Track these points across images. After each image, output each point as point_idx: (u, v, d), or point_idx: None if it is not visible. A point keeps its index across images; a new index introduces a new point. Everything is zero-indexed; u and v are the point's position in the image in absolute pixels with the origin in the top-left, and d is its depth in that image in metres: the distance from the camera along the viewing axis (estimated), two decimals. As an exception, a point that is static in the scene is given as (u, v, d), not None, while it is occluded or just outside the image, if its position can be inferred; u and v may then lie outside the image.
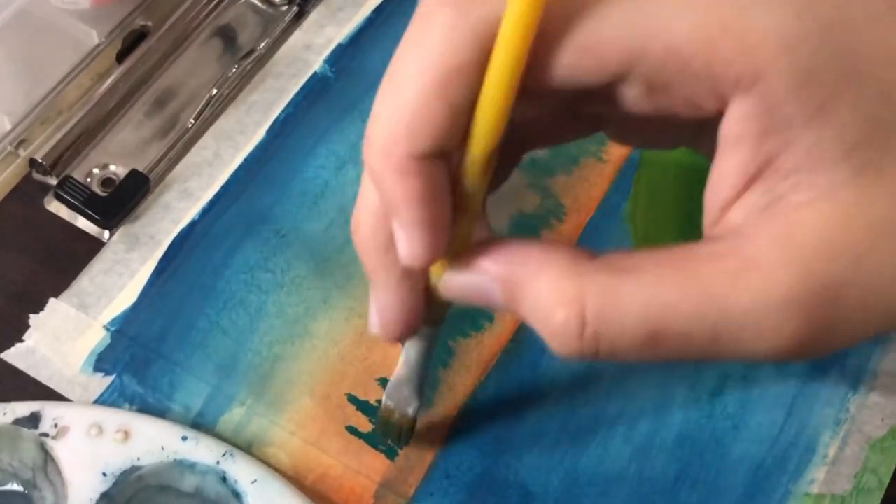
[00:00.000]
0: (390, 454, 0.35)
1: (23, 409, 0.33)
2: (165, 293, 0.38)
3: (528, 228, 0.39)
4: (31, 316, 0.37)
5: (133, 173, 0.39)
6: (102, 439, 0.33)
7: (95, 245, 0.39)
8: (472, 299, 0.27)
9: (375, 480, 0.35)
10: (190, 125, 0.41)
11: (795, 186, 0.23)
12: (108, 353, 0.36)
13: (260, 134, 0.41)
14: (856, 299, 0.23)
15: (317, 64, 0.43)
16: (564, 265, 0.24)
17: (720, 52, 0.22)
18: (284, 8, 0.44)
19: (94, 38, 0.42)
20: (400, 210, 0.24)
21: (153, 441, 0.33)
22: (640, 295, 0.24)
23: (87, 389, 0.36)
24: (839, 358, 0.37)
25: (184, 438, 0.33)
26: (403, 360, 0.31)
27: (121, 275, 0.38)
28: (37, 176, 0.40)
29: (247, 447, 0.35)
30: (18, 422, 0.33)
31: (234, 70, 0.42)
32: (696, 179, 0.40)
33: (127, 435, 0.33)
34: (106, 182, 0.40)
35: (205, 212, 0.39)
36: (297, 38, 0.44)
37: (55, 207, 0.39)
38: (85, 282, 0.38)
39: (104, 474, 0.33)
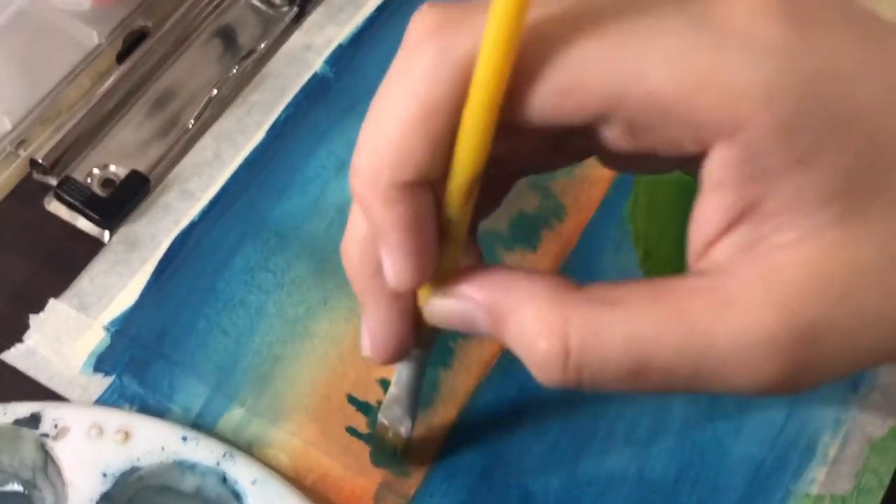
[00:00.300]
0: (390, 453, 0.35)
1: (23, 409, 0.33)
2: (165, 294, 0.38)
3: (528, 228, 0.39)
4: (31, 316, 0.37)
5: (133, 174, 0.39)
6: (103, 440, 0.33)
7: (95, 245, 0.38)
8: (456, 326, 0.27)
9: (375, 481, 0.34)
10: (190, 126, 0.41)
11: (779, 228, 0.23)
12: (108, 354, 0.36)
13: (260, 134, 0.41)
14: (836, 339, 0.24)
15: (317, 64, 0.43)
16: (549, 295, 0.25)
17: (702, 100, 0.22)
18: (285, 8, 0.44)
19: (94, 38, 0.42)
20: (386, 235, 0.25)
21: (153, 442, 0.33)
22: (623, 327, 0.24)
23: (87, 390, 0.36)
24: (839, 358, 0.37)
25: (184, 439, 0.33)
26: (395, 380, 0.32)
27: (121, 275, 0.38)
28: (37, 176, 0.40)
29: (247, 448, 0.35)
30: (18, 422, 0.33)
31: (234, 70, 0.42)
32: (696, 180, 0.40)
33: (127, 435, 0.33)
34: (106, 182, 0.40)
35: (205, 212, 0.39)
36: (297, 38, 0.44)
37: (55, 208, 0.39)
38: (85, 282, 0.38)
39: (104, 475, 0.33)
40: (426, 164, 0.24)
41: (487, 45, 0.22)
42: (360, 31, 0.44)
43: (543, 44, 0.23)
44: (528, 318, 0.25)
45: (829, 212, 0.23)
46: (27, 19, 0.41)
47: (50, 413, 0.34)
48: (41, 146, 0.40)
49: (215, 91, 0.42)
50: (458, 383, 0.36)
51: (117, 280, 0.38)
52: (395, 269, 0.26)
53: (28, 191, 0.40)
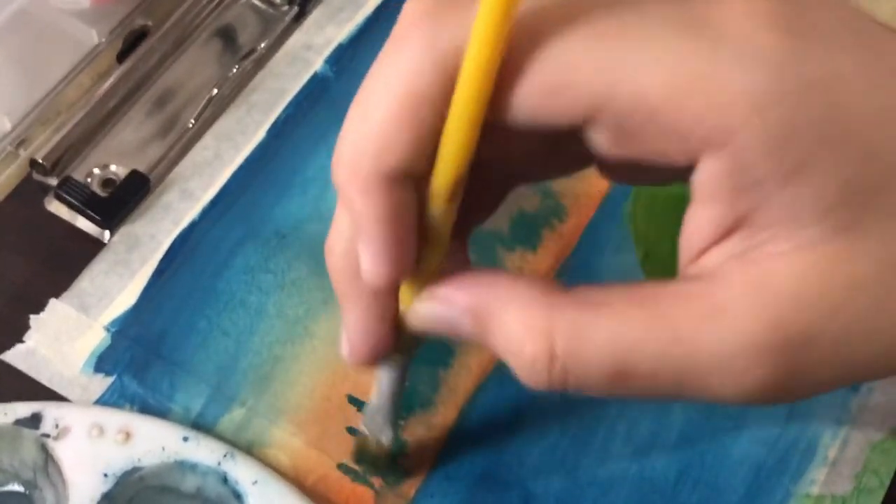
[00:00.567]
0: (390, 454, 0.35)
1: (24, 409, 0.34)
2: (166, 294, 0.38)
3: (529, 228, 0.39)
4: (32, 317, 0.37)
5: (133, 173, 0.39)
6: (103, 440, 0.33)
7: (96, 245, 0.38)
8: (440, 330, 0.26)
9: (376, 482, 0.35)
10: (190, 125, 0.41)
11: (773, 238, 0.23)
12: (109, 354, 0.36)
13: (260, 134, 0.41)
14: (826, 351, 0.23)
15: (317, 64, 0.43)
16: (534, 298, 0.24)
17: (690, 106, 0.22)
18: (285, 8, 0.44)
19: (94, 37, 0.42)
20: (363, 227, 0.25)
21: (154, 442, 0.33)
22: (608, 332, 0.24)
23: (88, 390, 0.36)
24: (840, 358, 0.37)
25: (185, 439, 0.33)
26: (375, 388, 0.32)
27: (121, 275, 0.38)
28: (37, 176, 0.40)
29: (247, 448, 0.35)
30: (19, 422, 0.33)
31: (234, 70, 0.42)
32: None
33: (128, 436, 0.33)
34: (106, 182, 0.40)
35: (205, 212, 0.39)
36: (297, 38, 0.44)
37: (55, 208, 0.39)
38: (85, 282, 0.38)
39: (105, 475, 0.33)
40: (409, 156, 0.24)
41: (477, 35, 0.21)
42: (361, 31, 0.44)
43: (530, 41, 0.22)
44: (513, 322, 0.24)
45: (824, 224, 0.23)
46: (27, 19, 0.41)
47: (51, 413, 0.34)
48: (41, 146, 0.40)
49: (215, 91, 0.42)
50: (458, 383, 0.36)
51: (118, 280, 0.38)
52: (370, 262, 0.25)
53: (28, 191, 0.40)
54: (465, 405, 0.36)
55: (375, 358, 0.29)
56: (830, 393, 0.36)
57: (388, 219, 0.24)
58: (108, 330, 0.37)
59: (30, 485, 0.34)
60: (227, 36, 0.44)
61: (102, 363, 0.36)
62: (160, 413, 0.35)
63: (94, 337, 0.37)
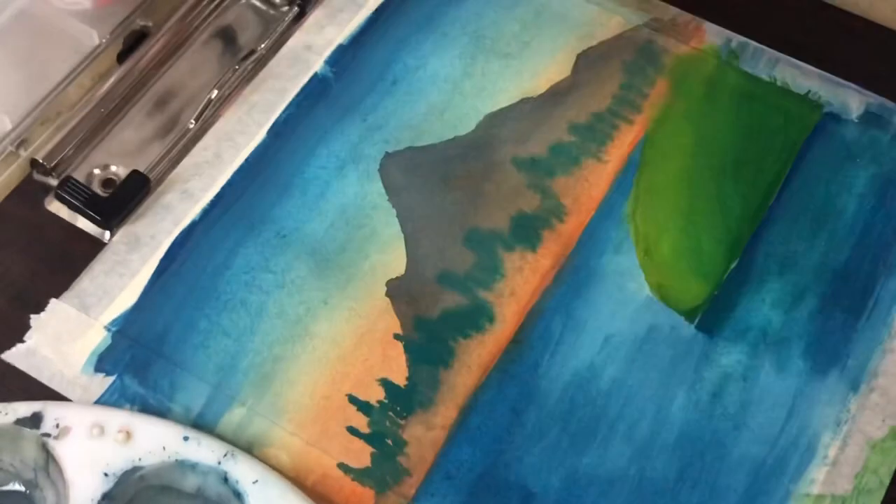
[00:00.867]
0: (390, 453, 0.35)
1: (24, 409, 0.33)
2: (166, 294, 0.38)
3: (528, 228, 0.39)
4: (32, 316, 0.37)
5: (134, 174, 0.39)
6: (104, 439, 0.33)
7: (96, 245, 0.39)
8: None
9: (376, 481, 0.35)
10: (191, 126, 0.41)
11: None
12: (109, 354, 0.36)
13: (261, 134, 0.41)
14: None
15: (317, 65, 0.43)
16: None
17: None
18: (285, 9, 0.44)
19: (94, 38, 0.42)
20: None
21: (155, 441, 0.33)
22: None
23: (88, 390, 0.36)
24: (839, 358, 0.37)
25: (185, 439, 0.33)
26: None
27: (121, 275, 0.38)
28: (37, 176, 0.40)
29: (247, 447, 0.35)
30: (20, 422, 0.33)
31: (234, 71, 0.42)
32: (696, 179, 0.40)
33: (128, 435, 0.33)
34: (107, 182, 0.40)
35: (205, 212, 0.39)
36: (297, 38, 0.44)
37: (56, 208, 0.39)
38: (86, 282, 0.38)
39: (106, 474, 0.33)
40: None
41: None
42: (361, 32, 0.44)
43: None
44: None
45: None
46: (28, 19, 0.41)
47: (51, 413, 0.34)
48: (42, 146, 0.40)
49: (216, 91, 0.42)
50: (458, 383, 0.36)
51: (118, 280, 0.38)
52: None
53: (29, 191, 0.40)
54: (465, 405, 0.36)
55: None
56: (830, 393, 0.36)
57: None
58: (108, 330, 0.37)
59: (30, 484, 0.34)
60: (227, 36, 0.44)
61: (103, 363, 0.36)
62: (160, 413, 0.35)
63: (95, 337, 0.37)
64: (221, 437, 0.34)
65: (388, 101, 0.42)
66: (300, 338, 0.37)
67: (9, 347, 0.36)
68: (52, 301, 0.37)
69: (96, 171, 0.40)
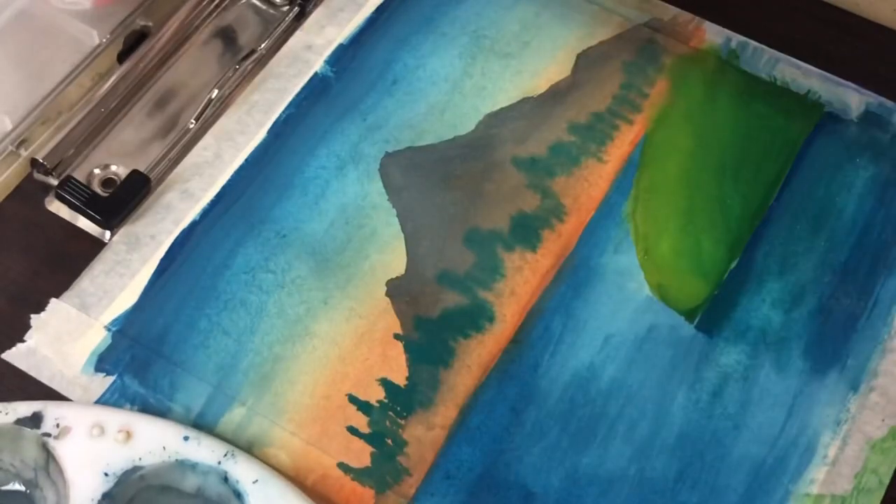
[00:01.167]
0: (390, 453, 0.35)
1: (24, 409, 0.34)
2: (166, 293, 0.38)
3: (528, 228, 0.39)
4: (33, 316, 0.37)
5: (134, 173, 0.39)
6: (104, 439, 0.33)
7: (96, 245, 0.39)
8: None
9: (376, 481, 0.35)
10: (191, 125, 0.41)
11: None
12: (109, 354, 0.36)
13: (261, 134, 0.41)
14: None
15: (318, 64, 0.43)
16: None
17: None
18: (285, 8, 0.44)
19: (94, 38, 0.42)
20: None
21: (155, 441, 0.33)
22: None
23: (88, 390, 0.36)
24: (839, 358, 0.37)
25: (185, 439, 0.33)
26: None
27: (122, 275, 0.38)
28: (38, 176, 0.40)
29: (247, 447, 0.35)
30: (20, 422, 0.33)
31: (234, 70, 0.42)
32: (696, 179, 0.40)
33: (129, 435, 0.33)
34: (107, 182, 0.40)
35: (206, 212, 0.39)
36: (297, 38, 0.44)
37: (56, 208, 0.39)
38: (86, 282, 0.38)
39: (106, 474, 0.33)
40: None
41: None
42: (361, 31, 0.44)
43: None
44: None
45: None
46: (28, 19, 0.41)
47: (51, 412, 0.34)
48: (42, 146, 0.40)
49: (216, 91, 0.42)
50: (458, 383, 0.36)
51: (118, 280, 0.38)
52: None
53: (29, 191, 0.40)
54: (465, 405, 0.36)
55: None
56: (830, 393, 0.36)
57: None
58: (108, 329, 0.37)
59: (31, 484, 0.34)
60: (227, 36, 0.44)
61: (103, 363, 0.36)
62: (161, 412, 0.35)
63: (95, 336, 0.37)
64: (221, 437, 0.34)
65: (388, 101, 0.42)
66: (300, 337, 0.37)
67: (9, 347, 0.36)
68: (53, 301, 0.37)
69: (96, 171, 0.40)
